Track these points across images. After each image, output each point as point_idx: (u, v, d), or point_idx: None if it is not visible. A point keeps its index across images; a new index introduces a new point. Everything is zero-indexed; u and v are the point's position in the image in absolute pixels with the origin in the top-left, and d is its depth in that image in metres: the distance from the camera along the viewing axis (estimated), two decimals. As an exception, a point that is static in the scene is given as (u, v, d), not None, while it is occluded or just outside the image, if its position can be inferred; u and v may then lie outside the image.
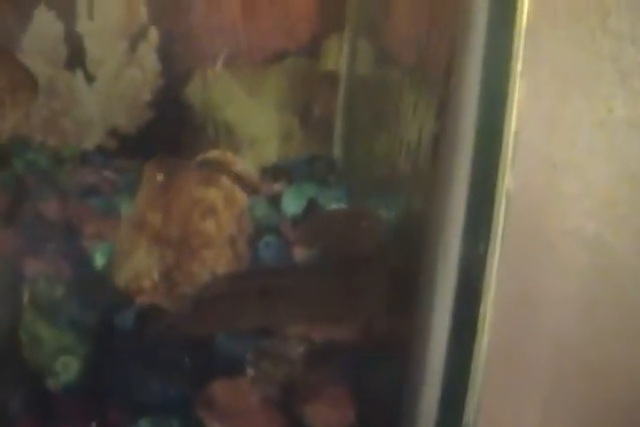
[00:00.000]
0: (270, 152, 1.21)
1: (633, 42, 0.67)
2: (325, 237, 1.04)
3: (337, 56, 1.22)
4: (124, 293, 0.91)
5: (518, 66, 0.72)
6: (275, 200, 1.09)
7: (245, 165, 1.10)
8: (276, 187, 1.11)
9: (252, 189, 1.05)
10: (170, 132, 1.19)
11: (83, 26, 1.19)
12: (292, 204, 1.08)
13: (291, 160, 1.20)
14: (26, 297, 0.88)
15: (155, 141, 1.18)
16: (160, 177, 0.97)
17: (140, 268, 0.93)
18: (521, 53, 0.72)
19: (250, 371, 0.84)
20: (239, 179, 1.03)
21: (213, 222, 0.96)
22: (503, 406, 0.75)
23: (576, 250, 0.70)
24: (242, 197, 1.00)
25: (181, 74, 1.21)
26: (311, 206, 1.08)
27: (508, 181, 0.72)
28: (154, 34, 1.21)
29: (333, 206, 1.08)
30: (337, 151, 1.21)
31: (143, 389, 0.83)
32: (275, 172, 1.16)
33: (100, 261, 0.95)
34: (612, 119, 0.68)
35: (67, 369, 0.84)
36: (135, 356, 0.84)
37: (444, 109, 0.76)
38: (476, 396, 0.73)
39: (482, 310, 0.72)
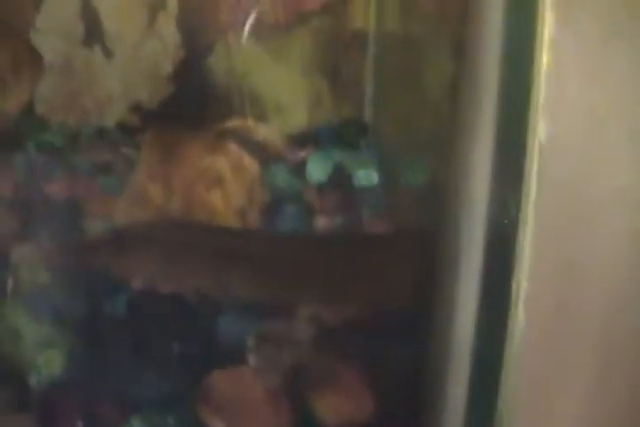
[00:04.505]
0: (299, 118, 1.08)
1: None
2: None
3: (365, 13, 1.08)
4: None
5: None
6: (299, 167, 0.94)
7: (269, 132, 0.96)
8: (302, 153, 0.97)
9: (273, 157, 0.91)
10: (193, 105, 1.07)
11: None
12: (317, 170, 0.93)
13: (320, 125, 1.06)
14: (9, 286, 0.74)
15: (178, 115, 1.05)
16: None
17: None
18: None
19: (252, 359, 0.69)
20: (259, 146, 0.90)
21: (220, 194, 0.81)
22: (545, 386, 0.62)
23: (622, 210, 0.57)
24: (252, 164, 0.85)
25: (203, 43, 1.09)
26: (338, 173, 0.94)
27: (540, 130, 0.58)
28: (173, 4, 1.09)
29: (361, 172, 0.93)
30: (368, 114, 1.07)
31: (135, 383, 0.69)
32: (301, 138, 1.02)
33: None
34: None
35: (50, 364, 0.70)
36: (126, 347, 0.70)
37: (462, 53, 0.63)
38: (513, 376, 0.59)
39: (515, 280, 0.58)
